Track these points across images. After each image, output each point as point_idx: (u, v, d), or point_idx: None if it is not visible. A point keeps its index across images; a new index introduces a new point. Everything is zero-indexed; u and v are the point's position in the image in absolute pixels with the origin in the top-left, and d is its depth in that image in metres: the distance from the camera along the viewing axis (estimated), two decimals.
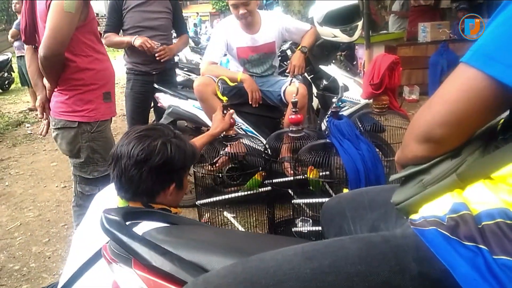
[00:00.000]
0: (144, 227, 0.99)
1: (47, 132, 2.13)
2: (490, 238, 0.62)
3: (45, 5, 1.78)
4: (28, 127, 5.99)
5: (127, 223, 0.93)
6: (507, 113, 0.73)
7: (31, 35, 1.97)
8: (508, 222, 0.62)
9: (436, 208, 0.72)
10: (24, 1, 1.93)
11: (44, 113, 2.06)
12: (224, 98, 2.09)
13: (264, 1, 9.70)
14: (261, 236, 1.60)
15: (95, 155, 2.02)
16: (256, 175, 2.11)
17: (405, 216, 0.82)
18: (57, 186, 3.69)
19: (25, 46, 2.08)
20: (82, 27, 1.86)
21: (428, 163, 0.77)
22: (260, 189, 2.14)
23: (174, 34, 3.45)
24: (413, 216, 0.77)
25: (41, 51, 1.77)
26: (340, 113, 2.02)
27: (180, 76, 4.41)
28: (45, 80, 2.03)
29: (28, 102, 7.41)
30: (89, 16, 1.90)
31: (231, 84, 2.31)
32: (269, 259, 0.72)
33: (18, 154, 4.75)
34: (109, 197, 1.35)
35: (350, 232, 1.03)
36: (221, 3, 26.01)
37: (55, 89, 1.96)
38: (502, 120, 0.74)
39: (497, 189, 0.66)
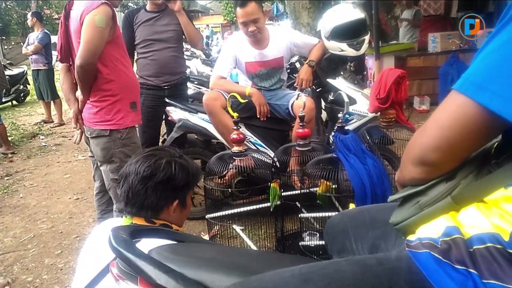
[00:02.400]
0: (148, 244, 1.02)
1: (80, 140, 2.37)
2: (481, 262, 0.64)
3: (78, 22, 2.02)
4: (42, 139, 6.11)
5: (134, 240, 0.96)
6: (500, 137, 0.75)
7: (66, 55, 2.24)
8: (498, 246, 0.63)
9: (432, 230, 0.74)
10: (59, 25, 2.22)
11: (78, 124, 2.29)
12: (235, 114, 2.13)
13: (275, 13, 9.78)
14: (265, 254, 1.62)
15: (127, 159, 2.14)
16: (272, 185, 2.14)
17: (403, 236, 0.83)
18: (70, 198, 3.76)
19: (57, 63, 2.42)
20: (110, 42, 2.09)
21: (424, 185, 0.79)
22: (277, 202, 2.16)
23: (187, 46, 3.52)
24: (410, 237, 0.79)
25: (77, 61, 2.01)
26: (347, 127, 2.04)
27: (191, 89, 4.46)
28: (77, 93, 2.25)
29: (42, 114, 7.55)
30: (116, 32, 2.13)
31: (242, 101, 2.36)
32: (268, 280, 0.74)
33: (33, 166, 4.85)
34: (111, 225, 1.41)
35: (352, 249, 1.05)
36: (232, 14, 26.23)
37: (89, 101, 2.17)
38: (496, 144, 0.76)
39: (490, 213, 0.67)
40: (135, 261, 0.87)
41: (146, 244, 1.01)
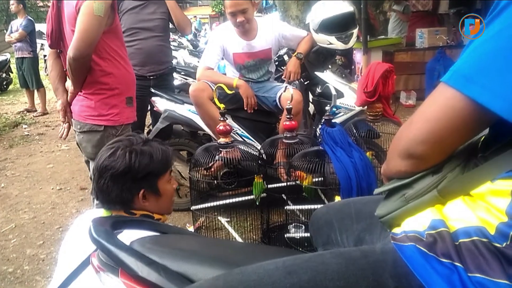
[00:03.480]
0: (129, 235, 1.00)
1: (67, 135, 2.19)
2: (466, 256, 0.63)
3: (74, 8, 1.83)
4: (25, 128, 6.00)
5: (115, 232, 0.94)
6: (487, 130, 0.74)
7: (56, 40, 2.02)
8: (484, 240, 0.63)
9: (417, 223, 0.74)
10: (50, 6, 1.99)
11: (66, 117, 2.12)
12: (222, 106, 2.11)
13: (264, 5, 9.72)
14: (249, 246, 1.61)
15: None
16: (256, 179, 2.12)
17: (388, 229, 0.83)
18: (52, 188, 3.70)
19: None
20: (108, 32, 1.92)
21: (410, 178, 0.78)
22: (260, 196, 2.14)
23: (174, 36, 3.47)
24: (395, 230, 0.78)
25: (70, 52, 1.83)
26: (334, 121, 2.03)
27: (177, 80, 4.42)
28: (67, 84, 2.09)
29: (25, 103, 7.41)
30: (115, 21, 1.97)
31: (229, 92, 2.33)
32: (251, 272, 0.73)
33: (15, 155, 4.76)
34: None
35: (337, 242, 1.05)
36: (221, 5, 26.01)
37: (80, 93, 2.01)
38: (483, 138, 0.76)
39: (476, 207, 0.67)
40: (116, 253, 0.85)
41: (128, 236, 0.99)
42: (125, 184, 1.25)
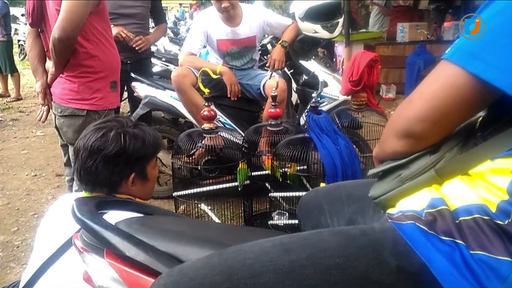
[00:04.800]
0: (114, 216, 0.97)
1: (46, 118, 2.10)
2: (467, 233, 0.63)
3: None
4: None
5: (100, 212, 0.90)
6: (486, 110, 0.74)
7: (38, 19, 1.92)
8: (485, 218, 0.62)
9: (414, 203, 0.73)
10: None
11: (46, 99, 2.03)
12: (206, 90, 2.07)
13: None
14: (238, 228, 1.59)
15: None
16: (241, 165, 2.09)
17: (382, 210, 0.82)
18: (27, 175, 3.59)
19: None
20: (94, 13, 1.83)
21: (406, 158, 0.77)
22: (244, 182, 2.12)
23: (152, 24, 3.39)
24: (390, 210, 0.77)
25: (55, 33, 1.73)
26: (319, 109, 2.02)
27: (158, 66, 4.34)
28: (47, 65, 2.00)
29: None
30: (102, 2, 1.88)
31: (214, 76, 2.29)
32: (247, 250, 0.71)
33: None
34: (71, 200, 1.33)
35: (327, 225, 1.03)
36: None
37: (62, 75, 1.92)
38: (481, 118, 0.75)
39: (475, 186, 0.66)
40: (101, 233, 0.81)
41: (113, 217, 0.96)
42: (117, 166, 1.21)
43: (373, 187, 0.84)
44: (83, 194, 1.25)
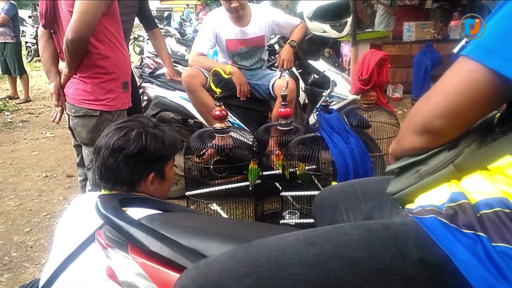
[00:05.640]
0: (136, 213, 0.99)
1: (60, 119, 2.13)
2: (489, 226, 0.64)
3: None
4: (8, 115, 5.85)
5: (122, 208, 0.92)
6: (503, 106, 0.75)
7: (51, 20, 1.94)
8: (507, 211, 0.64)
9: (433, 197, 0.74)
10: None
11: (59, 100, 2.06)
12: (218, 90, 2.09)
13: None
14: (256, 224, 1.61)
15: None
16: (251, 164, 2.11)
17: (400, 206, 0.83)
18: (38, 176, 3.62)
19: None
20: (106, 14, 1.85)
21: (425, 154, 0.79)
22: (255, 181, 2.14)
23: (160, 26, 3.36)
24: (409, 206, 0.78)
25: (68, 34, 1.75)
26: (330, 107, 2.04)
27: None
28: (60, 66, 2.02)
29: (7, 90, 7.22)
30: (114, 3, 1.90)
31: (226, 76, 2.31)
32: (271, 244, 0.72)
33: None
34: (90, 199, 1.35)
35: (343, 222, 1.04)
36: None
37: (75, 76, 1.94)
38: (499, 114, 0.77)
39: (494, 180, 0.68)
40: (126, 228, 0.83)
41: (135, 213, 0.97)
42: (137, 165, 1.23)
43: (391, 183, 0.85)
44: (102, 192, 1.28)
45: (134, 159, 1.22)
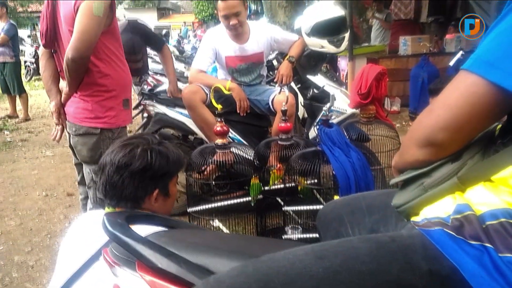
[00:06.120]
0: (141, 230, 0.99)
1: (61, 137, 2.13)
2: (495, 237, 0.65)
3: (72, 8, 1.79)
4: (7, 135, 5.85)
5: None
6: (504, 118, 0.76)
7: (51, 40, 1.97)
8: (511, 221, 0.65)
9: (438, 210, 0.75)
10: (45, 4, 1.93)
11: (60, 119, 2.07)
12: (219, 106, 2.10)
13: (248, 12, 9.76)
14: (261, 239, 1.60)
15: None
16: (253, 180, 2.11)
17: (406, 219, 0.84)
18: (38, 195, 3.61)
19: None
20: (106, 32, 1.88)
21: (428, 167, 0.80)
22: (257, 196, 2.14)
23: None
24: (415, 218, 0.79)
25: (69, 53, 1.78)
26: (330, 122, 2.05)
27: (166, 83, 4.39)
28: (61, 85, 2.04)
29: (7, 109, 7.24)
30: (113, 22, 1.93)
31: (227, 92, 2.33)
32: (280, 258, 0.73)
33: None
34: (94, 217, 1.35)
35: (348, 235, 1.05)
36: (203, 13, 26.08)
37: (76, 95, 1.95)
38: (500, 126, 0.78)
39: (498, 191, 0.69)
40: (134, 245, 0.84)
41: (141, 230, 0.98)
42: (142, 182, 1.24)
43: (396, 196, 0.86)
44: (106, 209, 1.28)
45: (139, 175, 1.23)
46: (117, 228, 0.87)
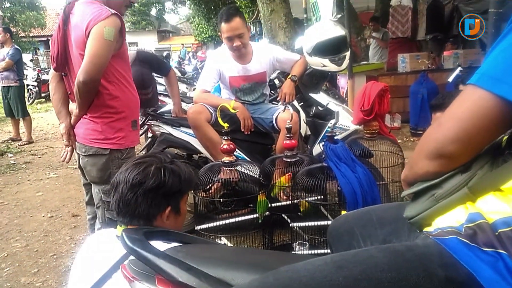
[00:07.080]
0: (160, 245, 1.01)
1: (70, 158, 2.15)
2: (508, 244, 0.67)
3: (84, 33, 1.84)
4: (11, 157, 5.89)
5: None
6: (511, 130, 0.80)
7: (62, 63, 2.02)
8: None
9: (451, 219, 0.77)
10: (56, 29, 1.98)
11: (69, 140, 2.11)
12: (226, 125, 2.14)
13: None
14: (276, 253, 1.62)
15: None
16: (259, 197, 2.13)
17: (418, 230, 0.86)
18: (43, 216, 3.62)
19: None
20: (116, 56, 1.93)
21: (439, 179, 0.82)
22: (265, 213, 2.16)
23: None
24: (427, 229, 0.81)
25: (80, 76, 1.82)
26: (336, 138, 2.08)
27: (170, 104, 4.44)
28: (70, 107, 2.08)
29: (10, 132, 7.29)
30: (123, 45, 1.98)
31: (233, 111, 2.37)
32: (300, 269, 0.75)
33: (2, 184, 4.65)
34: (106, 236, 1.37)
35: (361, 248, 1.07)
36: (203, 35, 26.45)
37: (85, 116, 2.00)
38: (506, 137, 0.81)
39: (509, 200, 0.71)
40: (153, 260, 0.85)
41: (157, 246, 1.00)
42: (155, 200, 1.26)
43: (408, 208, 0.89)
44: (119, 228, 1.30)
45: (153, 193, 1.25)
46: (137, 244, 0.89)
